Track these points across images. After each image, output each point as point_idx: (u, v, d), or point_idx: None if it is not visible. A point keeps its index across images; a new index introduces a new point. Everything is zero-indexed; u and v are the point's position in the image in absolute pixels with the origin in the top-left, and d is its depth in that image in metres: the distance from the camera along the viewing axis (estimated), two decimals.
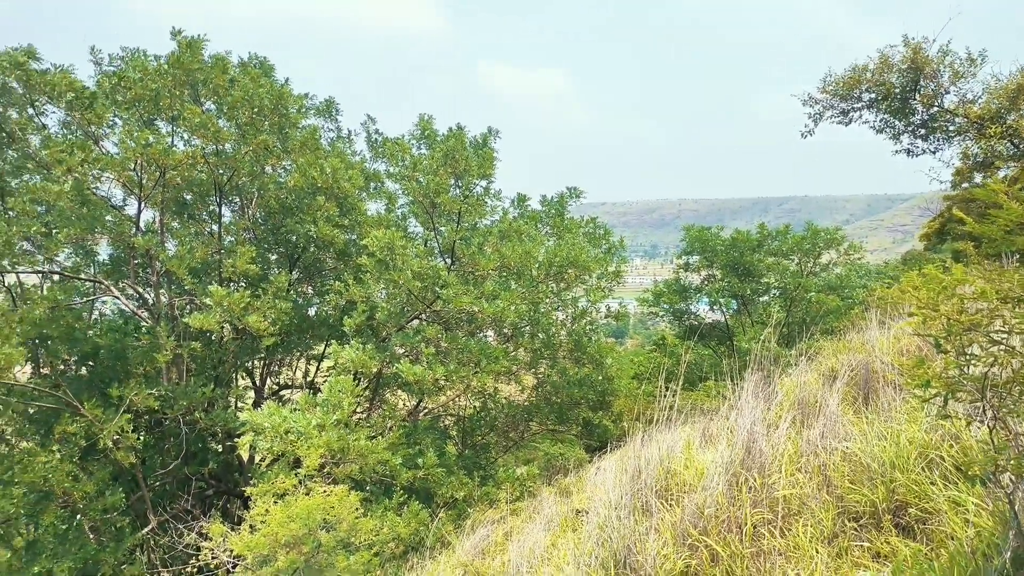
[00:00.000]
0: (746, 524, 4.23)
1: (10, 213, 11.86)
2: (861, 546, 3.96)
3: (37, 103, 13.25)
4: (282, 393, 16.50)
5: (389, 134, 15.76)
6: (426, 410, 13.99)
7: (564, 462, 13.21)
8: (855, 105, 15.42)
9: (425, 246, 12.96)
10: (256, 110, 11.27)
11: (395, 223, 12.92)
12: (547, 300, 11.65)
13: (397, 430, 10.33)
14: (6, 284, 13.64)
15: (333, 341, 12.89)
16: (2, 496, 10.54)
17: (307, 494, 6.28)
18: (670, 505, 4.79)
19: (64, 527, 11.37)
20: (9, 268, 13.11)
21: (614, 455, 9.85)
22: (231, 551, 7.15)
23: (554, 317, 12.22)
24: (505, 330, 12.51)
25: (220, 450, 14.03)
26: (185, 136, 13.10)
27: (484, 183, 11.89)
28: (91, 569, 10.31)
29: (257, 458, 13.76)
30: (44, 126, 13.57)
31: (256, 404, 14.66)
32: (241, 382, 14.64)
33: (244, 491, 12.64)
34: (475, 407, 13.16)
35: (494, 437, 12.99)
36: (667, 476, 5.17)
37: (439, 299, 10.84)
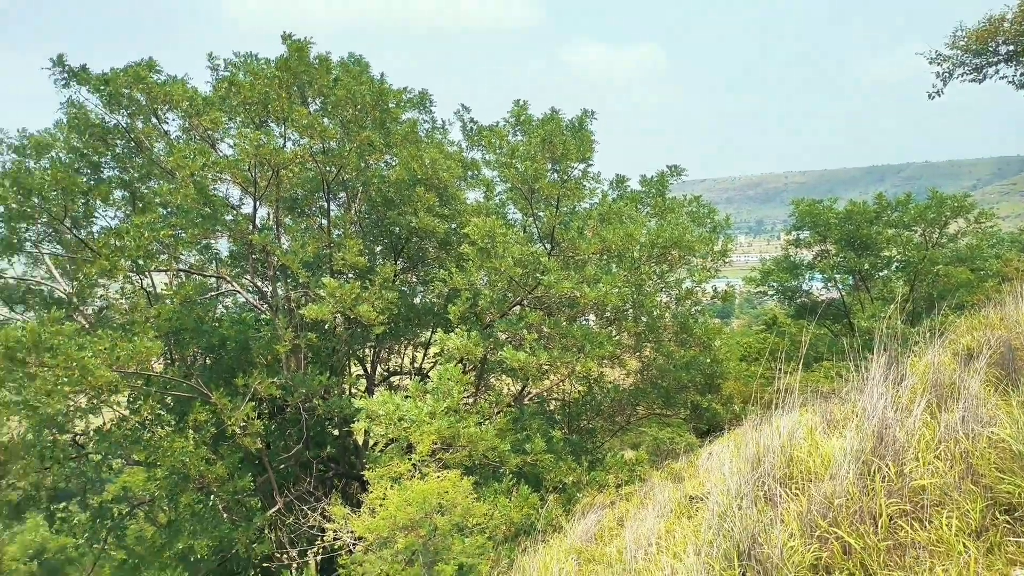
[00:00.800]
0: (881, 515, 3.97)
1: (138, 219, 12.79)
2: (1017, 541, 3.63)
3: (159, 112, 14.20)
4: (392, 379, 17.07)
5: (484, 123, 15.88)
6: (530, 395, 14.08)
7: (673, 446, 12.97)
8: (991, 60, 14.11)
9: (524, 232, 12.98)
10: (358, 107, 11.60)
11: (494, 210, 12.99)
12: (650, 282, 11.42)
13: (504, 416, 10.44)
14: (142, 283, 14.78)
15: (439, 328, 13.18)
16: (147, 478, 11.49)
17: (422, 479, 6.45)
18: (795, 494, 4.57)
19: (200, 507, 12.27)
20: (146, 269, 14.20)
21: (726, 440, 9.54)
22: (353, 532, 7.45)
23: (658, 299, 11.95)
24: (607, 314, 12.37)
25: (337, 435, 14.69)
26: (294, 136, 13.70)
27: (582, 166, 11.74)
28: (225, 546, 11.09)
29: (371, 442, 14.32)
30: (167, 133, 14.54)
31: (368, 390, 15.24)
32: (353, 369, 15.24)
33: (362, 474, 13.18)
34: (580, 392, 13.12)
35: (600, 421, 12.91)
36: (789, 463, 4.93)
37: (540, 285, 10.83)
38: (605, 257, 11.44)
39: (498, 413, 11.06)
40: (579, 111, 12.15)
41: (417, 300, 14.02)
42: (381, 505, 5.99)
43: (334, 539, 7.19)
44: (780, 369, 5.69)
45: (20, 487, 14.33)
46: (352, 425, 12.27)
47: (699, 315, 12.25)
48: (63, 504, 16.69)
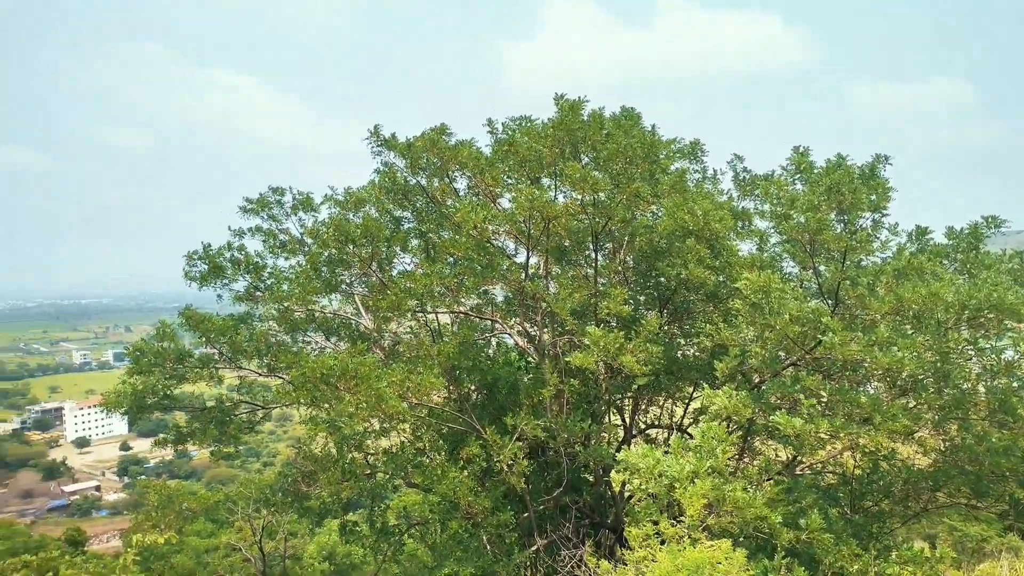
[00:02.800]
0: None
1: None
2: None
3: (450, 171, 15.89)
4: (648, 432, 16.81)
5: (757, 171, 15.25)
6: (802, 465, 12.89)
7: (984, 544, 10.90)
8: None
9: (801, 287, 12.09)
10: (628, 160, 11.86)
11: (767, 264, 12.32)
12: (958, 349, 9.88)
13: (774, 485, 9.65)
14: (427, 322, 16.46)
15: (702, 384, 12.71)
16: (423, 501, 12.54)
17: (692, 544, 6.17)
18: None
19: (467, 536, 13.07)
20: (431, 310, 15.82)
21: None
22: None
23: (968, 369, 10.28)
24: (900, 382, 10.94)
25: (592, 482, 14.78)
26: (564, 189, 14.42)
27: (873, 216, 10.67)
28: None
29: (627, 494, 14.15)
30: (456, 190, 16.21)
31: (624, 440, 15.16)
32: (612, 418, 15.29)
33: (620, 526, 13.04)
34: (864, 468, 11.70)
35: (888, 504, 11.35)
36: None
37: (821, 345, 9.94)
38: (899, 318, 10.18)
39: (767, 480, 10.26)
40: (870, 157, 11.13)
41: (680, 354, 13.70)
42: (647, 566, 5.83)
43: None
44: None
45: (323, 495, 16.51)
46: (610, 475, 12.25)
47: (1023, 392, 10.27)
48: (352, 515, 18.95)
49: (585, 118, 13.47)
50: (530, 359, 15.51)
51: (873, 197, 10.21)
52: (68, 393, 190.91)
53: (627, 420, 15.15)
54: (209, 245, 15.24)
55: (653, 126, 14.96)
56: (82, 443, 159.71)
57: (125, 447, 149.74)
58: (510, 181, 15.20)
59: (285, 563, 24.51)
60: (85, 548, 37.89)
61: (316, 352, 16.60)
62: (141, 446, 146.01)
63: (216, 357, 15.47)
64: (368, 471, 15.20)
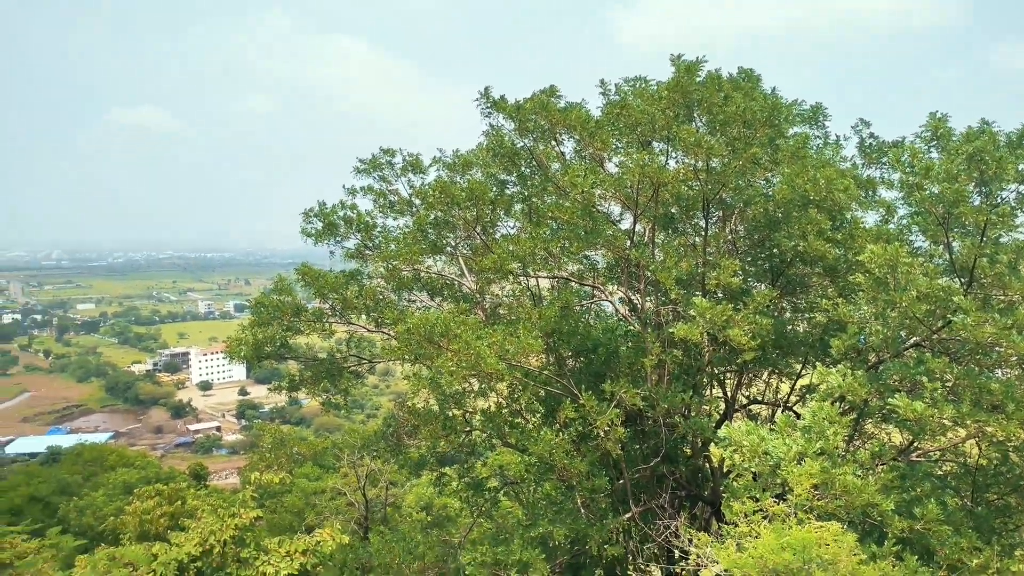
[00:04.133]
0: None
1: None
2: None
3: (558, 135, 15.73)
4: (750, 407, 16.31)
5: (886, 138, 14.22)
6: (919, 451, 12.15)
7: None
8: None
9: (930, 262, 11.26)
10: (746, 124, 11.32)
11: (894, 236, 11.52)
12: None
13: (888, 471, 9.15)
14: (527, 286, 16.56)
15: (812, 361, 12.17)
16: (520, 460, 12.74)
17: (798, 524, 5.97)
18: None
19: (560, 498, 13.22)
20: (532, 274, 15.88)
21: None
22: (706, 558, 7.25)
23: None
24: None
25: (690, 454, 14.54)
26: (676, 154, 13.98)
27: (1019, 188, 9.74)
28: (580, 541, 11.76)
29: (725, 469, 13.85)
30: (562, 154, 16.05)
31: (725, 415, 14.78)
32: (713, 392, 14.94)
33: (717, 500, 12.81)
34: (991, 458, 10.89)
35: (1016, 499, 10.54)
36: None
37: (948, 325, 9.25)
38: None
39: (880, 465, 9.74)
40: (1020, 124, 10.11)
41: (790, 328, 13.14)
42: (749, 542, 5.69)
43: (690, 562, 7.07)
44: None
45: (422, 448, 17.11)
46: (709, 448, 12.00)
47: None
48: (448, 469, 19.57)
49: (701, 80, 12.95)
50: (630, 327, 15.34)
51: (1022, 167, 9.29)
52: (194, 339, 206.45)
53: (729, 394, 14.75)
54: (324, 203, 15.88)
55: (773, 89, 14.20)
56: (205, 386, 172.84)
57: (243, 392, 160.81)
58: (619, 145, 14.89)
59: (386, 510, 25.73)
60: (207, 482, 41.26)
61: (420, 311, 17.08)
62: (257, 392, 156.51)
63: (328, 311, 16.22)
64: (467, 428, 15.60)
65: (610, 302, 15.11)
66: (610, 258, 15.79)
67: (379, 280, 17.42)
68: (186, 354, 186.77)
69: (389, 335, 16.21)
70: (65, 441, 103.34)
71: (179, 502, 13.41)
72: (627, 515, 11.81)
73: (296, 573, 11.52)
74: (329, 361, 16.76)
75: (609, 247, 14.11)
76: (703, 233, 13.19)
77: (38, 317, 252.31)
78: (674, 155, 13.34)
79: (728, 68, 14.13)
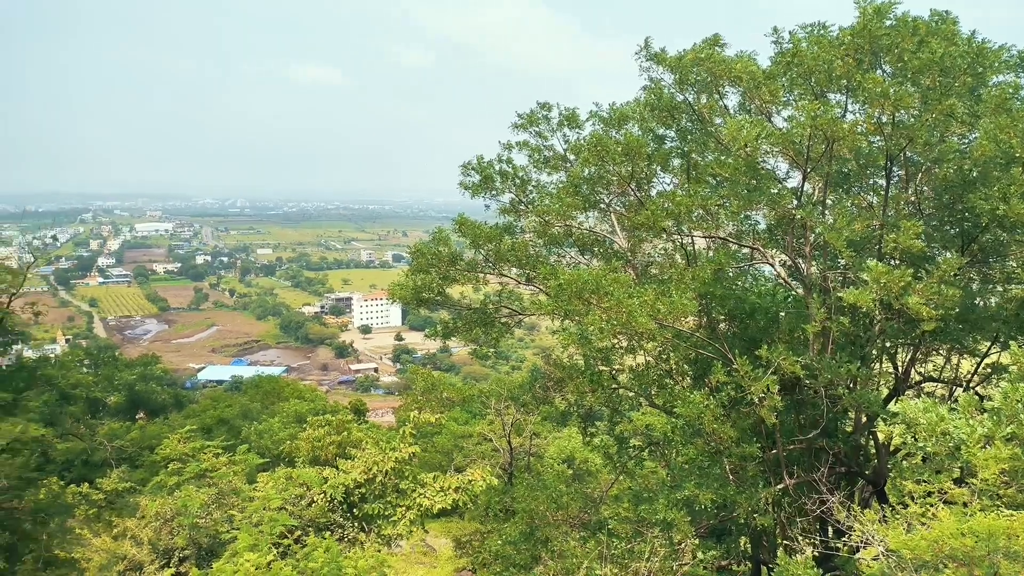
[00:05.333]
0: None
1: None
2: None
3: (721, 87, 14.93)
4: (923, 385, 15.03)
5: None
6: None
7: None
8: None
9: None
10: (943, 71, 10.13)
11: None
12: None
13: None
14: (682, 244, 16.09)
15: (1005, 338, 10.98)
16: (667, 422, 12.63)
17: (981, 510, 5.47)
18: None
19: (707, 462, 12.96)
20: (686, 233, 15.40)
21: None
22: (872, 537, 6.85)
23: None
24: None
25: (850, 430, 13.70)
26: (854, 107, 12.83)
27: None
28: (727, 507, 11.51)
29: (892, 447, 12.92)
30: (726, 108, 15.25)
31: (895, 391, 13.72)
32: (883, 365, 13.90)
33: (884, 479, 12.03)
34: None
35: None
36: None
37: None
38: None
39: None
40: None
41: (979, 301, 11.85)
42: (923, 524, 5.29)
43: (851, 539, 6.72)
44: None
45: (568, 400, 17.38)
46: (875, 424, 11.23)
47: None
48: (594, 423, 19.78)
49: (890, 24, 11.70)
50: (791, 292, 14.52)
51: None
52: (356, 286, 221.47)
53: (901, 369, 13.64)
54: (482, 157, 16.24)
55: (972, 32, 12.56)
56: (365, 330, 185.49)
57: (399, 337, 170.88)
58: (789, 97, 13.92)
59: (529, 459, 26.54)
60: (366, 418, 44.57)
61: (571, 267, 17.17)
62: (411, 338, 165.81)
63: (481, 262, 16.72)
64: (613, 385, 15.64)
65: (770, 264, 14.34)
66: (772, 218, 14.94)
67: (531, 235, 17.67)
68: (349, 299, 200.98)
69: (539, 289, 16.46)
70: (246, 372, 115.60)
71: (345, 433, 14.62)
72: (779, 486, 11.37)
73: (448, 507, 12.26)
74: (481, 311, 17.34)
75: (773, 206, 13.34)
76: (882, 192, 12.10)
77: (225, 259, 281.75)
78: (853, 107, 12.25)
79: (916, 10, 12.64)
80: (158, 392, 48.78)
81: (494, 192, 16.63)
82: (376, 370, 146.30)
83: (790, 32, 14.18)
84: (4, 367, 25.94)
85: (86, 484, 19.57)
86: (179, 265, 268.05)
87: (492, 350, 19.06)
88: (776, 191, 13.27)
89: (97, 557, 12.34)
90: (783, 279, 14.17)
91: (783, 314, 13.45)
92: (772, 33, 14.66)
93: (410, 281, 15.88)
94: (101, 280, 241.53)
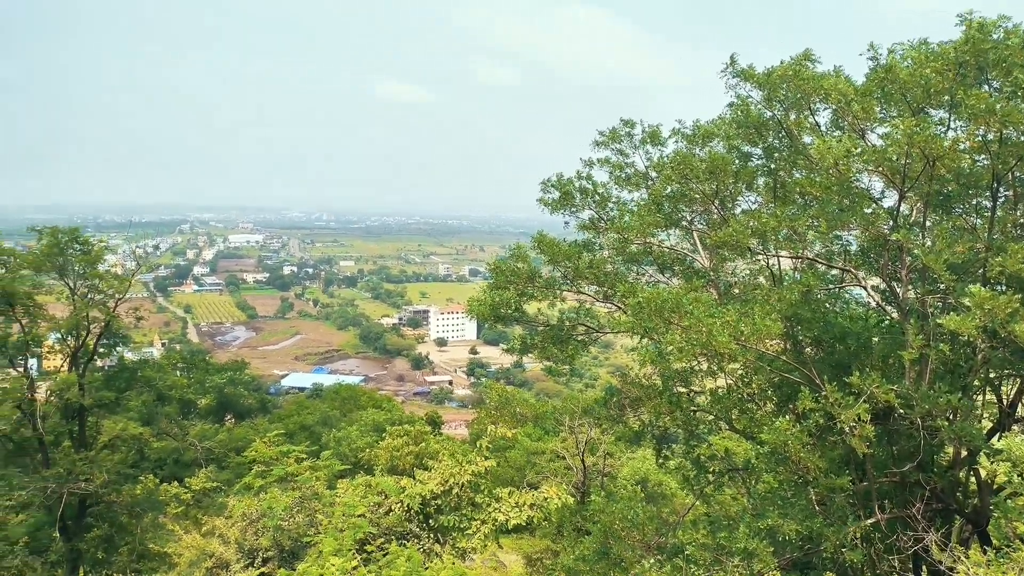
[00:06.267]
0: None
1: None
2: None
3: (812, 103, 14.51)
4: None
5: None
6: None
7: None
8: None
9: None
10: None
11: None
12: None
13: None
14: (767, 264, 15.64)
15: None
16: (749, 447, 12.24)
17: None
18: None
19: (791, 492, 12.47)
20: (772, 252, 14.97)
21: None
22: None
23: None
24: None
25: (948, 464, 12.91)
26: (956, 124, 12.22)
27: None
28: (813, 540, 11.01)
29: (994, 486, 12.08)
30: (816, 125, 14.80)
31: (999, 424, 12.85)
32: (985, 396, 13.06)
33: (987, 519, 11.28)
34: None
35: None
36: None
37: None
38: None
39: None
40: None
41: None
42: None
43: None
44: None
45: (643, 420, 17.11)
46: (976, 459, 10.56)
47: None
48: (667, 447, 19.35)
49: (997, 39, 11.10)
50: (885, 317, 13.86)
51: None
52: (433, 299, 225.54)
53: (1006, 402, 12.77)
54: (561, 174, 16.30)
55: None
56: (441, 343, 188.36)
57: (473, 351, 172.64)
58: (884, 114, 13.38)
59: (603, 478, 26.25)
60: (440, 430, 45.18)
61: (650, 285, 16.95)
62: (485, 352, 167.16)
63: (559, 279, 16.72)
64: (691, 407, 15.29)
65: (863, 288, 13.75)
66: (865, 239, 14.35)
67: (610, 252, 17.56)
68: (426, 312, 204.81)
69: (617, 307, 16.32)
70: (326, 380, 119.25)
71: (423, 444, 14.86)
72: (870, 520, 10.81)
73: (523, 523, 12.26)
74: (558, 327, 17.32)
75: (866, 227, 12.81)
76: (987, 214, 11.44)
77: (310, 270, 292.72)
78: (955, 124, 11.66)
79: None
80: (245, 396, 50.94)
81: (573, 209, 16.65)
82: (451, 383, 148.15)
83: (887, 49, 13.68)
84: (107, 368, 27.74)
85: (175, 482, 20.66)
86: (267, 275, 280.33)
87: (567, 367, 18.95)
88: (870, 211, 12.75)
89: (188, 553, 12.96)
90: (877, 303, 13.56)
91: (875, 340, 12.86)
92: (869, 49, 14.17)
93: (488, 297, 16.03)
94: (196, 288, 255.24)
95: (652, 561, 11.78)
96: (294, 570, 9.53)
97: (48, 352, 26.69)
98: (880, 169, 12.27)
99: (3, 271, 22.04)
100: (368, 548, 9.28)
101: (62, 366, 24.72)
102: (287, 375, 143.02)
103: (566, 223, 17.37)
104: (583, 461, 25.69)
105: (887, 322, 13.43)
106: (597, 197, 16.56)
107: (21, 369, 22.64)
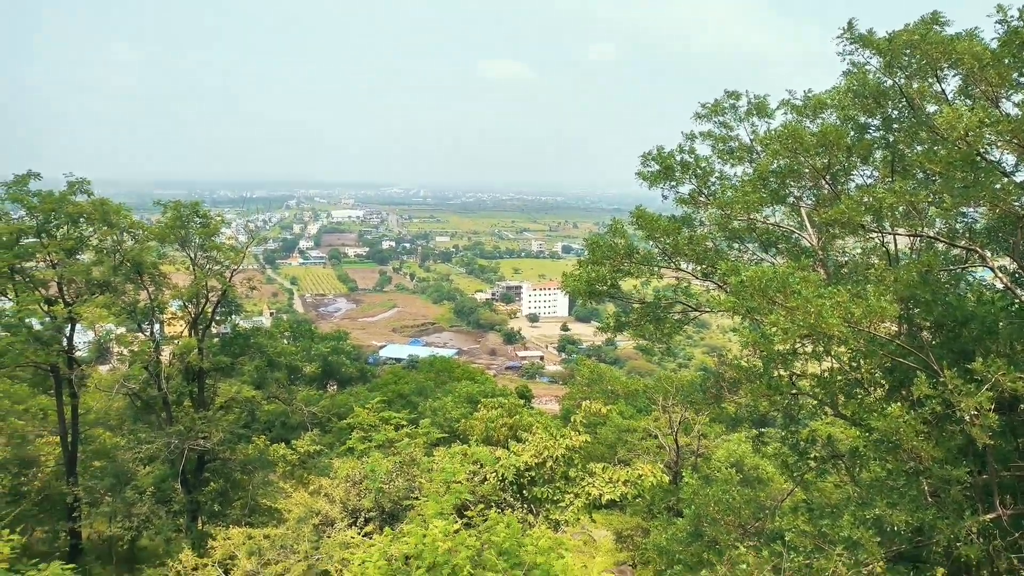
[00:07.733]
0: None
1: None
2: None
3: (938, 70, 13.46)
4: None
5: None
6: None
7: None
8: None
9: None
10: None
11: None
12: None
13: None
14: (883, 242, 14.78)
15: None
16: (856, 434, 11.71)
17: None
18: None
19: (902, 482, 11.86)
20: (888, 230, 14.12)
21: None
22: None
23: None
24: None
25: None
26: None
27: None
28: (925, 532, 10.46)
29: None
30: (943, 92, 13.74)
31: None
32: None
33: None
34: None
35: None
36: None
37: None
38: None
39: None
40: None
41: None
42: None
43: None
44: None
45: (740, 403, 16.66)
46: None
47: None
48: (765, 429, 18.81)
49: None
50: (1015, 299, 12.84)
51: None
52: (526, 275, 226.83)
53: None
54: (662, 147, 15.94)
55: None
56: (533, 318, 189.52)
57: (564, 327, 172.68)
58: (1022, 81, 12.28)
59: (697, 459, 25.83)
60: (531, 404, 45.69)
61: (752, 263, 16.37)
62: (576, 328, 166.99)
63: (657, 256, 16.42)
64: (793, 391, 14.74)
65: (989, 268, 12.77)
66: (994, 217, 13.29)
67: (710, 228, 17.06)
68: (519, 288, 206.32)
69: (718, 285, 15.87)
70: (421, 352, 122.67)
71: (517, 416, 15.09)
72: (990, 515, 10.15)
73: (615, 500, 12.27)
74: (654, 305, 17.05)
75: (995, 203, 11.85)
76: None
77: (407, 245, 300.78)
78: None
79: None
80: (347, 365, 53.24)
81: (673, 182, 16.27)
82: (542, 358, 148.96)
83: (1019, 10, 12.47)
84: (223, 334, 29.62)
85: (283, 444, 21.93)
86: (367, 249, 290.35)
87: (662, 346, 18.63)
88: (1001, 186, 11.79)
89: (296, 510, 13.76)
90: (1005, 284, 12.57)
91: (1002, 324, 11.96)
92: (998, 11, 12.97)
93: (583, 273, 15.96)
94: (301, 261, 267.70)
95: (749, 545, 11.53)
96: (395, 531, 9.96)
97: (170, 319, 28.71)
98: (1015, 141, 11.29)
99: (133, 243, 23.82)
100: (468, 514, 9.56)
101: (183, 332, 26.57)
102: (385, 346, 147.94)
103: (664, 197, 17.00)
104: (676, 441, 25.35)
105: (1016, 306, 12.44)
106: (699, 171, 16.11)
107: (148, 333, 24.51)
